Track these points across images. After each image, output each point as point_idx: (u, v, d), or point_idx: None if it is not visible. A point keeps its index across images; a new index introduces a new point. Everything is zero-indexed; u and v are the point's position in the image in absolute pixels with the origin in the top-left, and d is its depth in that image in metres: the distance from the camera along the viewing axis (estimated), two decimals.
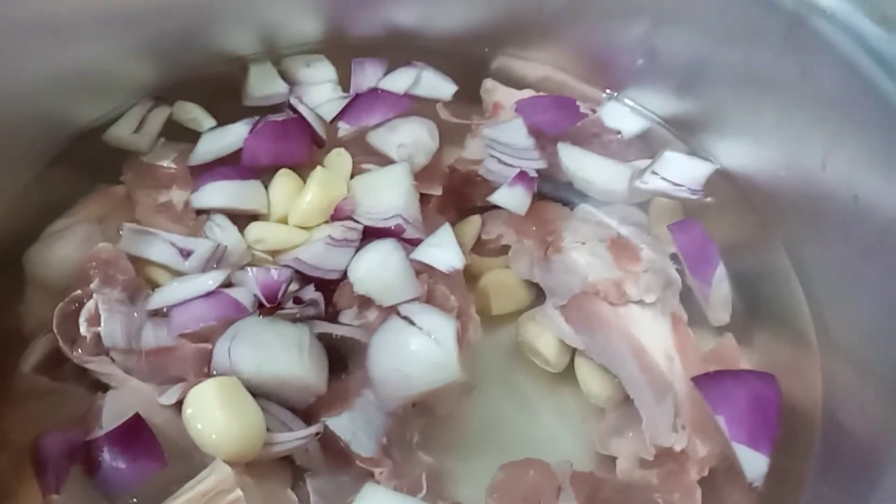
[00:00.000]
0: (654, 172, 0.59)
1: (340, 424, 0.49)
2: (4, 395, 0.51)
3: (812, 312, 0.53)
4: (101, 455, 0.45)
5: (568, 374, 0.56)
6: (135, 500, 0.45)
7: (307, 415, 0.50)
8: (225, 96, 0.67)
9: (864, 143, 0.46)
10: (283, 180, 0.59)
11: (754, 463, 0.45)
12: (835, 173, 0.49)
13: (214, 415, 0.45)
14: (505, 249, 0.61)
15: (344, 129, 0.64)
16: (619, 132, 0.63)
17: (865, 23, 0.46)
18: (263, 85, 0.68)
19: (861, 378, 0.47)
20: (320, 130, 0.63)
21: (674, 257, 0.57)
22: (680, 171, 0.59)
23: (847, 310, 0.50)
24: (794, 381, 0.51)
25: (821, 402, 0.50)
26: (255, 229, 0.57)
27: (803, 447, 0.49)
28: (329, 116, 0.65)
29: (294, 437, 0.47)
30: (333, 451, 0.49)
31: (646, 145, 0.63)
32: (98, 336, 0.50)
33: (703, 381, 0.48)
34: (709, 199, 0.58)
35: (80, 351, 0.50)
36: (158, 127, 0.65)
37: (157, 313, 0.52)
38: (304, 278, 0.54)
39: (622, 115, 0.64)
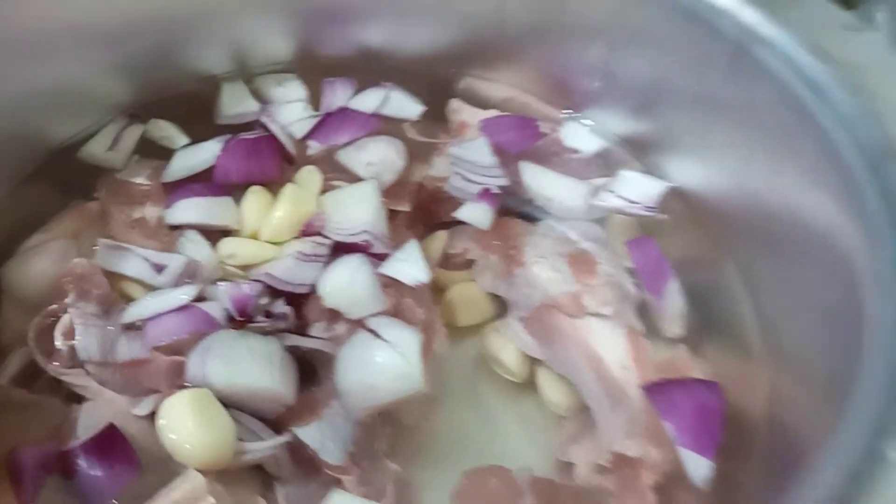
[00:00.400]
0: (610, 190, 0.62)
1: (309, 434, 0.50)
2: None
3: (759, 325, 0.56)
4: (78, 464, 0.46)
5: (529, 384, 0.59)
6: None
7: (277, 425, 0.51)
8: (198, 114, 0.68)
9: (801, 164, 0.49)
10: (255, 197, 0.61)
11: (699, 466, 0.48)
12: (777, 193, 0.52)
13: (187, 425, 0.47)
14: (470, 264, 0.63)
15: (314, 147, 0.66)
16: (578, 151, 0.66)
17: (800, 52, 0.49)
18: (236, 103, 0.69)
19: (802, 385, 0.49)
20: (291, 148, 0.65)
21: (631, 271, 0.60)
22: (635, 190, 0.62)
23: (790, 321, 0.52)
24: (742, 389, 0.54)
25: (766, 410, 0.52)
26: (226, 244, 0.59)
27: (748, 452, 0.51)
28: (300, 135, 0.66)
29: (264, 446, 0.49)
30: (302, 459, 0.51)
31: (604, 164, 0.66)
32: (73, 349, 0.52)
33: (652, 390, 0.51)
34: (663, 217, 0.61)
35: (56, 364, 0.52)
36: (132, 144, 0.66)
37: (131, 327, 0.54)
38: (274, 292, 0.56)
39: (581, 135, 0.67)
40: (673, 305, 0.59)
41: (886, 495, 0.30)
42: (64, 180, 0.64)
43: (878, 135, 0.44)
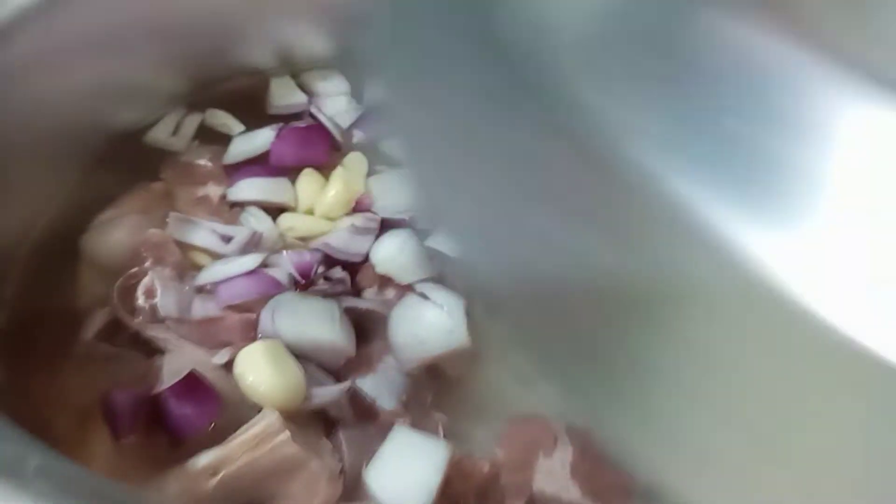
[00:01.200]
0: None
1: (366, 384, 0.56)
2: (66, 362, 0.57)
3: None
4: (168, 404, 0.52)
5: None
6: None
7: (338, 376, 0.57)
8: (251, 105, 0.75)
9: None
10: (308, 178, 0.67)
11: None
12: None
13: (263, 371, 0.53)
14: None
15: (358, 136, 0.72)
16: None
17: None
18: (285, 96, 0.76)
19: None
20: (338, 136, 0.71)
21: None
22: None
23: None
24: None
25: None
26: (286, 219, 0.65)
27: None
28: (345, 125, 0.73)
29: (330, 391, 0.55)
30: (360, 406, 0.57)
31: None
32: (154, 307, 0.58)
33: None
34: None
35: (140, 319, 0.58)
36: (193, 131, 0.72)
37: (202, 290, 0.60)
38: (331, 261, 0.62)
39: None
40: None
41: None
42: (131, 164, 0.70)
43: None
